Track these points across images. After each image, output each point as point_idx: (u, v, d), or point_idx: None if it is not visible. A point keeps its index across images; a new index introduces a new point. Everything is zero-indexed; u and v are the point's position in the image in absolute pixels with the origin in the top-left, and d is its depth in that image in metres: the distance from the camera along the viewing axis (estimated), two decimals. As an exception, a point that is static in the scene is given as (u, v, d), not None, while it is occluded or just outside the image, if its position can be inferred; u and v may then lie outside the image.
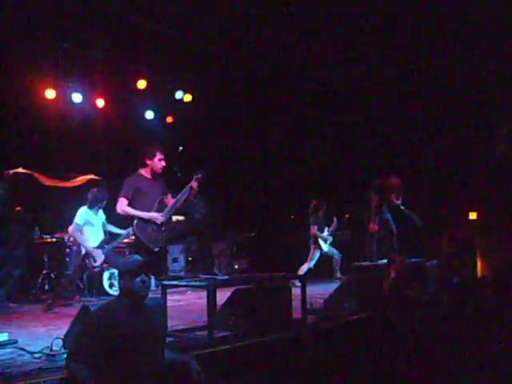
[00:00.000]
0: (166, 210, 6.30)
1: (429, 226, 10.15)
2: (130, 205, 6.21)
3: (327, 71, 11.08)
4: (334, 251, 10.92)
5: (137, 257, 4.12)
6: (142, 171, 6.43)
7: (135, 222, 6.17)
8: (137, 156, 6.60)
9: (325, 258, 10.85)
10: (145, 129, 11.92)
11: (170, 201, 6.42)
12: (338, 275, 10.76)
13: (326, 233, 10.80)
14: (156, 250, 6.13)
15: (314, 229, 10.61)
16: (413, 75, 10.85)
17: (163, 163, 6.42)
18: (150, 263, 4.29)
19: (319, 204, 10.74)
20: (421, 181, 11.48)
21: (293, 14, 9.33)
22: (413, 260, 8.73)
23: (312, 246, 10.68)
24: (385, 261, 8.88)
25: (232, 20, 9.58)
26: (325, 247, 10.72)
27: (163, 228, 6.21)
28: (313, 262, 10.60)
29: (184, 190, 6.38)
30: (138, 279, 3.86)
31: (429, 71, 10.67)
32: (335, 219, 10.90)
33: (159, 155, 6.39)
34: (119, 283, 3.94)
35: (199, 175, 6.37)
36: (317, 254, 10.64)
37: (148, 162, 6.40)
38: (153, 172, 6.42)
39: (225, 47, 10.45)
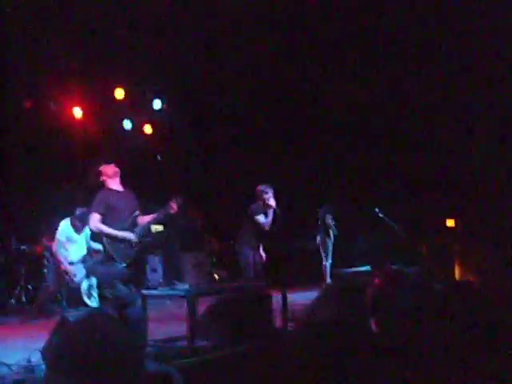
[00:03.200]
0: (138, 229, 6.14)
1: (407, 233, 10.21)
2: (102, 221, 6.01)
3: (303, 72, 11.10)
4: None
5: (121, 266, 4.08)
6: (111, 185, 6.21)
7: (104, 237, 5.98)
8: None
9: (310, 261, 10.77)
10: (123, 139, 11.85)
11: (143, 219, 6.26)
12: (328, 281, 10.55)
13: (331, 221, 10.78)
14: (124, 265, 5.76)
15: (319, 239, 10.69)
16: (396, 85, 10.92)
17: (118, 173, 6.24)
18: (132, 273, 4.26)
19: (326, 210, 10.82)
20: (399, 189, 11.56)
21: (267, 18, 9.37)
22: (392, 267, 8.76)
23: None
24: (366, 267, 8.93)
25: (209, 27, 9.60)
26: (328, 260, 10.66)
27: (134, 245, 6.04)
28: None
29: (161, 211, 6.29)
30: (124, 286, 3.84)
31: (412, 81, 10.75)
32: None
33: (114, 169, 6.23)
34: (104, 292, 3.90)
35: (179, 201, 6.27)
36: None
37: (107, 180, 6.20)
38: (117, 185, 6.22)
39: (203, 55, 10.45)
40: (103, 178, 6.20)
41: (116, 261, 5.79)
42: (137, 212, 6.23)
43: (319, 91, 11.63)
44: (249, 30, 9.76)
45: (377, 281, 6.88)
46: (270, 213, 7.80)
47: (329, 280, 10.67)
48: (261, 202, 7.84)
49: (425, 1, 9.20)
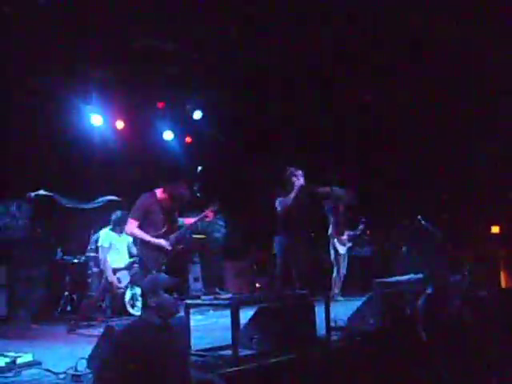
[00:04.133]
0: (175, 235, 6.23)
1: (451, 241, 10.06)
2: (139, 226, 6.12)
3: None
4: (344, 265, 10.52)
5: (165, 275, 4.12)
6: (158, 193, 6.32)
7: (140, 243, 6.15)
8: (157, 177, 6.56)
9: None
10: (164, 149, 11.98)
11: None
12: (335, 292, 10.30)
13: (345, 236, 10.56)
14: (154, 271, 5.83)
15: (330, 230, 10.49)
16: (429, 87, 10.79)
17: (186, 192, 6.30)
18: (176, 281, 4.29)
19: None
20: (443, 196, 11.41)
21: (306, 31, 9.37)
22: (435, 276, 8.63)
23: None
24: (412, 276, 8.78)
25: (247, 38, 9.64)
26: (341, 250, 10.45)
27: (167, 252, 6.12)
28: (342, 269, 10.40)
29: (198, 218, 6.45)
30: (170, 296, 3.87)
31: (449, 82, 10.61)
32: (361, 226, 10.69)
33: (183, 184, 6.32)
34: (149, 301, 3.93)
35: (215, 207, 6.41)
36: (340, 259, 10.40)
37: (167, 188, 6.29)
38: (168, 198, 6.26)
39: (243, 66, 10.50)
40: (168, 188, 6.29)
41: (147, 267, 5.92)
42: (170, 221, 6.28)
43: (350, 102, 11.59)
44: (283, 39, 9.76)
45: (429, 291, 6.67)
46: (293, 192, 7.59)
47: (336, 291, 10.37)
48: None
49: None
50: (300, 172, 7.66)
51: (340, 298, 10.10)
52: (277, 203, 7.61)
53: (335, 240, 10.42)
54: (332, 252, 10.43)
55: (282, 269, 7.37)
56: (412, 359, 6.16)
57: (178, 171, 6.41)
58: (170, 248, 6.10)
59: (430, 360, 6.11)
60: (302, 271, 7.29)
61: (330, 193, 7.69)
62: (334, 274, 10.36)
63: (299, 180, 7.58)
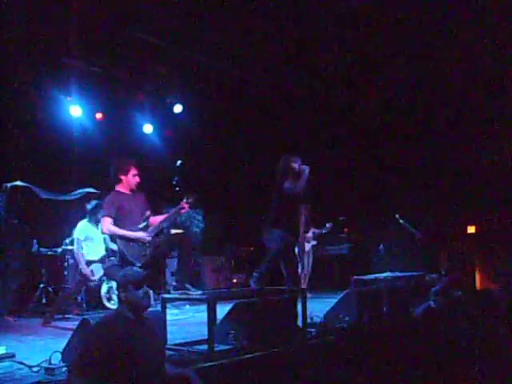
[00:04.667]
0: (151, 229, 6.21)
1: (428, 240, 10.13)
2: (115, 223, 6.08)
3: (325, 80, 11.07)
4: (309, 263, 10.46)
5: (137, 269, 4.10)
6: (119, 188, 6.29)
7: (118, 240, 6.10)
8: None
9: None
10: (143, 142, 11.92)
11: (156, 219, 6.32)
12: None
13: (310, 234, 10.49)
14: (139, 265, 5.88)
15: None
16: (413, 88, 10.86)
17: (137, 179, 6.29)
18: (150, 276, 4.26)
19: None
20: (419, 195, 11.48)
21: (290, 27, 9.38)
22: (413, 274, 8.71)
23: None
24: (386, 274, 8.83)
25: (231, 33, 9.62)
26: (306, 247, 10.36)
27: (147, 245, 6.13)
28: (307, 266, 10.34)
29: (173, 210, 6.35)
30: (141, 290, 3.84)
31: (430, 83, 10.69)
32: (329, 224, 10.63)
33: (133, 170, 6.26)
34: (120, 295, 3.90)
35: (191, 199, 6.29)
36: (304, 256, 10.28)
37: (122, 178, 6.26)
38: (129, 188, 6.28)
39: (224, 60, 10.47)
40: (121, 176, 6.25)
41: (131, 262, 5.90)
42: (148, 213, 6.27)
43: (338, 99, 11.61)
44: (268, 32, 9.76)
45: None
46: (303, 179, 6.75)
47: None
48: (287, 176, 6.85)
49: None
50: (298, 158, 6.91)
51: (308, 295, 10.06)
52: (287, 186, 6.75)
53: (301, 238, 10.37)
54: (296, 249, 10.40)
55: (274, 263, 6.93)
56: (386, 356, 6.21)
57: (128, 161, 6.26)
58: (149, 239, 6.09)
59: (406, 356, 6.17)
60: (294, 267, 7.05)
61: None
62: (299, 271, 10.27)
63: (302, 166, 6.79)
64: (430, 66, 10.28)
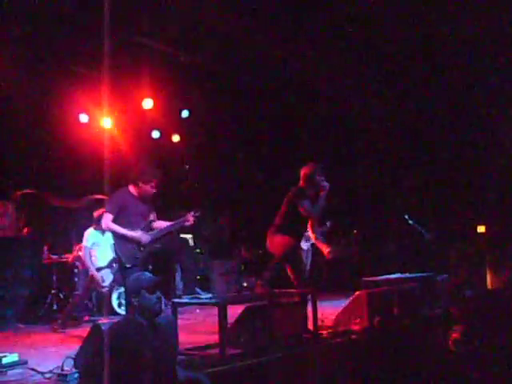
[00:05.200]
0: (153, 232, 6.31)
1: (438, 240, 10.10)
2: (114, 221, 6.17)
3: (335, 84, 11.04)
4: (307, 262, 10.00)
5: (149, 274, 4.12)
6: (131, 189, 6.37)
7: (115, 237, 6.20)
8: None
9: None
10: (151, 148, 11.96)
11: (160, 225, 6.42)
12: None
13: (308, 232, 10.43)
14: (128, 266, 6.06)
15: None
16: (421, 89, 10.82)
17: (154, 191, 6.38)
18: (161, 281, 4.29)
19: None
20: (429, 195, 11.45)
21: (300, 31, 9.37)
22: (424, 274, 8.67)
23: None
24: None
25: (236, 39, 9.63)
26: (304, 246, 10.37)
27: (142, 249, 6.21)
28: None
29: (178, 221, 6.46)
30: (154, 296, 3.86)
31: (437, 85, 10.65)
32: (328, 223, 10.54)
33: (154, 183, 6.35)
34: (132, 301, 3.92)
35: (197, 213, 6.43)
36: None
37: (140, 185, 6.33)
38: (141, 195, 6.35)
39: (231, 66, 10.49)
40: (141, 183, 6.32)
41: (124, 262, 6.04)
42: (151, 217, 6.37)
43: (350, 104, 11.59)
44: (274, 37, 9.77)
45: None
46: (322, 198, 6.48)
47: None
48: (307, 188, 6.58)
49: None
50: (323, 171, 6.64)
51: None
52: (305, 206, 6.46)
53: None
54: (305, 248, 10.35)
55: (278, 270, 6.88)
56: (399, 358, 6.20)
57: (153, 173, 6.38)
58: (145, 241, 6.16)
59: (419, 359, 6.15)
60: (301, 271, 6.94)
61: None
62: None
63: (325, 183, 6.53)
64: (441, 63, 10.25)
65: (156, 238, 6.32)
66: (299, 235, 6.85)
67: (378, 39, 9.48)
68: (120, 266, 6.19)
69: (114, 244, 6.21)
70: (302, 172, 6.70)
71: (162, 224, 6.43)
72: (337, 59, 10.07)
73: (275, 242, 6.63)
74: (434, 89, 10.78)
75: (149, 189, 6.33)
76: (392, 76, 10.47)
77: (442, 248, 10.29)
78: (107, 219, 6.18)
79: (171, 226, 6.44)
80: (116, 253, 6.26)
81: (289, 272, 6.59)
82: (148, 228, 6.33)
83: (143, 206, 6.36)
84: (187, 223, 6.39)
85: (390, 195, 11.93)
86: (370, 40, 9.51)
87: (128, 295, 4.21)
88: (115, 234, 6.18)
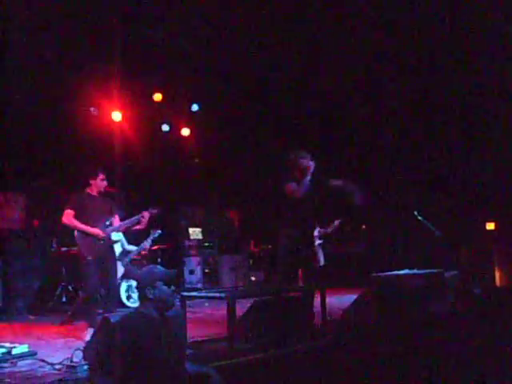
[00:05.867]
0: (110, 228, 6.70)
1: (447, 237, 10.07)
2: (76, 217, 6.55)
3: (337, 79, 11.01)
4: (320, 258, 10.28)
5: (160, 267, 4.13)
6: (88, 189, 6.76)
7: (76, 232, 6.55)
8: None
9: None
10: (161, 141, 11.99)
11: (116, 222, 6.83)
12: None
13: (315, 233, 10.07)
14: (89, 258, 6.45)
15: None
16: (434, 82, 10.77)
17: (105, 183, 6.78)
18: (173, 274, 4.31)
19: None
20: (438, 191, 11.42)
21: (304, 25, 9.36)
22: (432, 271, 8.65)
23: None
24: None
25: (245, 32, 9.63)
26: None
27: (101, 242, 6.59)
28: None
29: (134, 218, 6.85)
30: (167, 287, 3.88)
31: (444, 82, 10.61)
32: (336, 222, 10.51)
33: (101, 175, 6.74)
34: (147, 293, 3.91)
35: (154, 211, 6.91)
36: None
37: (91, 182, 6.73)
38: (97, 190, 6.75)
39: (241, 60, 10.48)
40: (91, 180, 6.76)
41: (85, 255, 6.47)
42: (113, 217, 6.81)
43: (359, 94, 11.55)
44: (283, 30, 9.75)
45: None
46: (308, 175, 6.45)
47: None
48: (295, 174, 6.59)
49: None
50: (308, 155, 6.66)
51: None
52: (288, 186, 6.52)
53: None
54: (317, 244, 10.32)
55: (288, 264, 6.75)
56: (407, 352, 6.19)
57: (96, 166, 6.84)
58: (104, 236, 6.58)
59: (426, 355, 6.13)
60: (309, 265, 6.87)
61: (343, 187, 6.71)
62: None
63: (309, 163, 6.52)
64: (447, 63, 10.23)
65: (111, 232, 6.77)
66: (305, 227, 6.71)
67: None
68: (81, 258, 6.57)
69: (76, 238, 6.57)
70: (287, 159, 6.76)
71: (117, 221, 6.86)
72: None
73: (279, 236, 6.64)
74: (445, 82, 10.74)
75: (99, 182, 6.72)
76: (406, 69, 10.44)
77: (451, 245, 10.26)
78: (69, 215, 6.55)
79: (128, 222, 6.88)
80: (79, 247, 6.62)
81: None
82: (108, 223, 6.73)
83: (102, 205, 6.77)
84: (142, 219, 6.86)
85: (399, 191, 11.90)
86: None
87: (140, 288, 4.22)
88: (76, 229, 6.54)
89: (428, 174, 11.72)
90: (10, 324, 8.16)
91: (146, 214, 6.81)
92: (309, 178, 6.47)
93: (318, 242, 10.37)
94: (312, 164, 6.52)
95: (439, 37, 9.75)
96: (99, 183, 6.73)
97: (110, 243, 6.78)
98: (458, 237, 11.13)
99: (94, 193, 6.74)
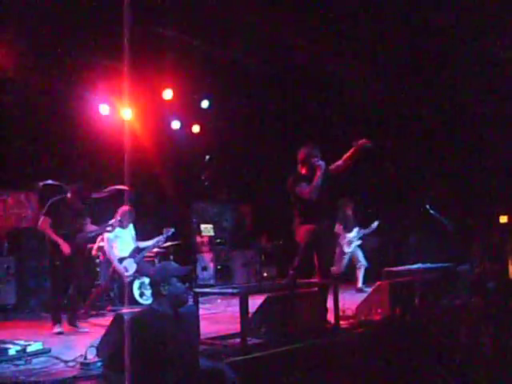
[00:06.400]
0: (81, 235, 7.29)
1: (459, 230, 10.02)
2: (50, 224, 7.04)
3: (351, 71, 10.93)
4: (360, 257, 10.34)
5: (174, 263, 4.13)
6: (67, 196, 7.24)
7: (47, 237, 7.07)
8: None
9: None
10: (171, 139, 11.99)
11: (90, 228, 7.48)
12: (359, 285, 10.15)
13: (353, 233, 10.34)
14: (57, 263, 7.04)
15: (337, 227, 10.09)
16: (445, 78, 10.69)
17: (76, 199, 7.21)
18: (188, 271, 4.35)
19: (346, 202, 10.34)
20: (451, 185, 11.36)
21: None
22: (445, 265, 8.62)
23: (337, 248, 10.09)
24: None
25: (255, 27, 9.59)
26: (346, 248, 10.21)
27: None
28: (342, 265, 10.12)
29: (103, 225, 7.70)
30: (181, 284, 3.89)
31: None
32: (376, 223, 10.42)
33: (71, 194, 7.22)
34: (161, 289, 3.91)
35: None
36: (344, 256, 10.14)
37: (69, 195, 7.24)
38: (72, 201, 7.21)
39: (252, 55, 10.46)
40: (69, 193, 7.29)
41: (52, 259, 7.06)
42: (87, 221, 7.45)
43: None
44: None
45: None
46: (318, 177, 6.44)
47: (360, 284, 10.18)
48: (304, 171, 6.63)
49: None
50: (318, 153, 6.68)
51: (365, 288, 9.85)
52: (300, 189, 6.48)
53: (342, 237, 10.20)
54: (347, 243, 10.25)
55: (307, 259, 6.66)
56: (419, 348, 6.17)
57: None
58: (65, 250, 6.98)
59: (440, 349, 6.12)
60: (326, 262, 6.78)
61: (345, 159, 6.68)
62: (335, 269, 9.64)
63: (319, 162, 6.53)
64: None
65: (84, 240, 7.52)
66: (323, 220, 6.61)
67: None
68: (49, 260, 7.15)
69: (46, 241, 7.09)
70: (298, 156, 6.76)
71: (91, 227, 7.48)
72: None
73: (299, 232, 6.55)
74: (457, 76, 10.66)
75: (72, 196, 7.22)
76: (419, 63, 10.37)
77: (464, 238, 10.20)
78: (45, 223, 7.06)
79: (97, 229, 7.62)
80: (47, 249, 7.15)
81: (315, 261, 6.48)
82: (79, 229, 7.29)
83: (75, 212, 7.23)
84: (109, 229, 7.85)
85: (412, 185, 11.84)
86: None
87: (154, 285, 4.22)
88: (47, 235, 7.05)
89: (441, 167, 11.64)
90: (24, 322, 8.23)
91: (115, 224, 7.95)
92: (320, 180, 6.43)
93: (355, 243, 10.29)
94: (322, 164, 6.50)
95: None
96: (74, 198, 7.21)
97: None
98: (471, 230, 11.07)
99: (70, 201, 7.20)
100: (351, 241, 10.26)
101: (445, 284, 8.01)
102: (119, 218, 8.18)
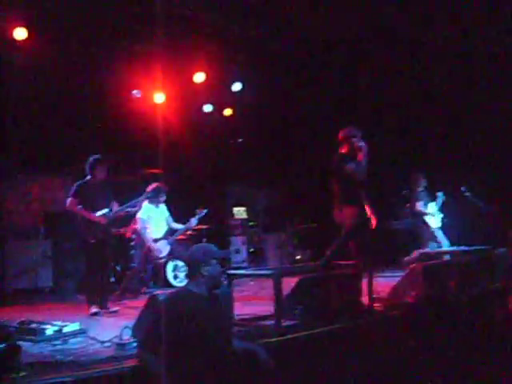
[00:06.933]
0: (108, 214, 7.39)
1: (495, 213, 9.84)
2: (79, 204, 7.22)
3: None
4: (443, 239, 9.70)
5: (213, 246, 4.12)
6: (90, 178, 7.41)
7: (79, 216, 7.25)
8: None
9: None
10: (203, 122, 12.00)
11: (115, 206, 7.57)
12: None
13: (433, 208, 9.72)
14: (92, 241, 7.19)
15: (417, 205, 9.62)
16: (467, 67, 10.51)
17: (104, 174, 7.45)
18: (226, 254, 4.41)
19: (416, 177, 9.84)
20: (486, 168, 11.16)
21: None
22: (481, 248, 8.49)
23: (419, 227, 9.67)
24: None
25: (290, 10, 9.50)
26: (433, 224, 9.65)
27: (101, 228, 7.27)
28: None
29: (127, 204, 7.71)
30: (218, 265, 3.91)
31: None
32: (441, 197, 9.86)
33: (99, 167, 7.41)
34: (202, 270, 3.90)
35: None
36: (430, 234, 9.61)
37: (93, 172, 7.39)
38: (98, 179, 7.40)
39: (284, 38, 10.37)
40: (90, 171, 7.43)
41: (84, 236, 7.22)
42: (113, 203, 7.55)
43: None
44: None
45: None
46: (362, 159, 6.34)
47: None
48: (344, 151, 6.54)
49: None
50: (359, 133, 6.57)
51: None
52: (351, 167, 6.35)
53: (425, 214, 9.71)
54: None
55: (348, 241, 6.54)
56: (454, 331, 6.11)
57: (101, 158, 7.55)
58: (104, 221, 7.26)
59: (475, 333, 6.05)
60: (365, 245, 6.49)
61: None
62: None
63: (361, 143, 6.41)
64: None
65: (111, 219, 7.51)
66: (365, 201, 6.49)
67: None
68: (83, 241, 7.29)
69: (79, 221, 7.25)
70: (339, 137, 6.66)
71: (116, 208, 7.55)
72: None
73: (343, 213, 6.40)
74: (479, 65, 10.48)
75: (98, 174, 7.38)
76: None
77: (501, 221, 10.02)
78: (72, 203, 7.24)
79: (123, 207, 7.63)
80: (77, 228, 7.34)
81: (352, 243, 6.41)
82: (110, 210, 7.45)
83: (103, 193, 7.43)
84: (135, 204, 7.93)
85: (445, 167, 11.66)
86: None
87: (190, 265, 4.22)
88: (79, 215, 7.24)
89: (477, 150, 11.44)
90: (60, 304, 8.37)
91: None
92: (364, 160, 6.32)
93: (440, 215, 9.79)
94: (364, 145, 6.39)
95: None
96: (97, 174, 7.38)
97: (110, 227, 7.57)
98: (508, 213, 10.87)
99: (96, 181, 7.38)
100: (433, 214, 9.78)
101: (481, 267, 7.89)
102: (147, 194, 8.24)
